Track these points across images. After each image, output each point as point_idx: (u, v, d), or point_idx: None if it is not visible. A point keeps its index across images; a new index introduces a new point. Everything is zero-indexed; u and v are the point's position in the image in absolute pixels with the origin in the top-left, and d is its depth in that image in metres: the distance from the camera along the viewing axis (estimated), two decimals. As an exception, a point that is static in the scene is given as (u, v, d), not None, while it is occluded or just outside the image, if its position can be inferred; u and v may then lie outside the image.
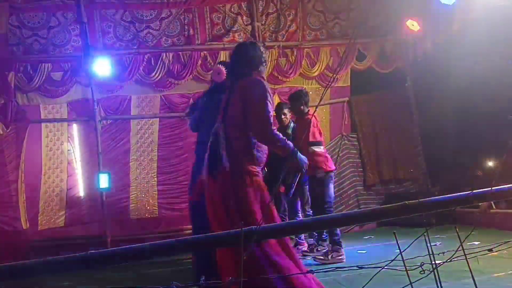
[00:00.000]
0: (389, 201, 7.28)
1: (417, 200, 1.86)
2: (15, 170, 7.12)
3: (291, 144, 3.09)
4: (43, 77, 7.22)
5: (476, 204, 4.96)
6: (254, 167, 3.03)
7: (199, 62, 7.66)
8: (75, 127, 7.61)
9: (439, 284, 1.78)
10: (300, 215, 6.05)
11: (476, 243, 3.15)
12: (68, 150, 7.52)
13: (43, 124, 7.44)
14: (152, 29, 7.63)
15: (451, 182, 7.40)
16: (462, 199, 1.91)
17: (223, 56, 7.52)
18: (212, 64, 7.54)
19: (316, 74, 8.17)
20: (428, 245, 1.81)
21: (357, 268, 1.78)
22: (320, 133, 5.46)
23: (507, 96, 5.93)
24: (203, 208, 3.16)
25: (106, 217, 7.26)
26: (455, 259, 1.81)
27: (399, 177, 8.45)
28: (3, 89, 7.03)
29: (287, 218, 5.98)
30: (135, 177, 7.71)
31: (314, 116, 5.85)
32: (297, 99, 5.62)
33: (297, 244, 6.10)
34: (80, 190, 7.55)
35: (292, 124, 5.97)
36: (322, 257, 5.31)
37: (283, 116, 5.97)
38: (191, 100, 7.47)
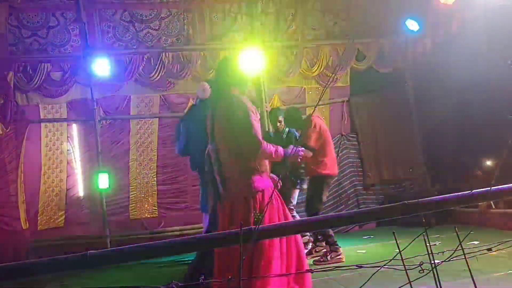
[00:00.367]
0: (388, 201, 7.29)
1: (416, 200, 1.87)
2: (14, 170, 7.12)
3: (280, 149, 3.14)
4: (43, 77, 7.21)
5: (475, 204, 4.97)
6: (262, 181, 3.05)
7: (199, 62, 7.65)
8: (74, 127, 7.61)
9: (438, 284, 1.78)
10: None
11: (476, 242, 3.16)
12: (68, 150, 7.52)
13: (42, 124, 7.44)
14: (151, 29, 7.63)
15: (451, 182, 7.41)
16: (462, 199, 1.91)
17: (223, 56, 7.51)
18: (212, 64, 7.54)
19: (315, 74, 8.17)
20: (428, 244, 1.81)
21: (356, 267, 1.78)
22: (319, 138, 5.39)
23: (507, 95, 5.93)
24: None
25: (106, 217, 7.26)
26: (454, 258, 1.81)
27: (398, 177, 8.45)
28: (3, 89, 7.02)
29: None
30: (135, 177, 7.71)
31: (320, 117, 5.84)
32: (290, 120, 5.77)
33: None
34: (80, 190, 7.55)
35: (287, 129, 5.99)
36: (321, 258, 5.32)
37: (278, 124, 5.98)
38: (191, 100, 7.48)
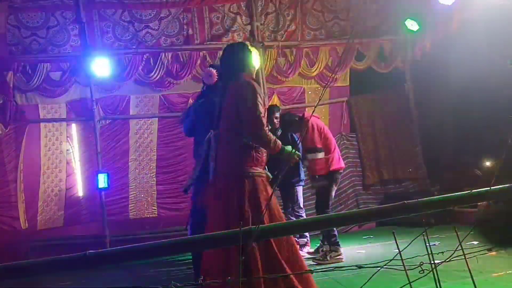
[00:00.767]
0: (388, 201, 7.29)
1: (416, 200, 1.86)
2: (14, 170, 7.12)
3: (279, 142, 3.13)
4: (42, 77, 7.21)
5: (475, 203, 4.97)
6: (255, 168, 3.06)
7: (198, 62, 7.65)
8: (74, 127, 7.61)
9: (438, 284, 1.78)
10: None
11: (475, 242, 3.16)
12: (67, 150, 7.52)
13: (42, 124, 7.43)
14: (151, 29, 7.63)
15: (451, 182, 7.41)
16: (461, 198, 1.91)
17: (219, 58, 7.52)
18: (212, 63, 7.53)
19: (315, 73, 8.17)
20: (427, 244, 1.81)
21: (356, 267, 1.78)
22: (321, 137, 5.42)
23: (506, 95, 5.93)
24: (203, 212, 3.21)
25: (105, 217, 7.25)
26: (454, 258, 1.81)
27: (398, 177, 8.44)
28: (2, 89, 7.01)
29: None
30: (134, 177, 7.71)
31: (316, 116, 5.84)
32: (286, 125, 5.73)
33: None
34: (79, 190, 7.55)
35: (280, 130, 5.99)
36: (321, 258, 5.32)
37: (275, 120, 5.97)
38: (190, 100, 7.47)
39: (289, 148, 3.22)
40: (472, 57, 6.38)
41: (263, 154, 3.14)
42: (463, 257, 1.80)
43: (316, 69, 8.15)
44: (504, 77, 6.01)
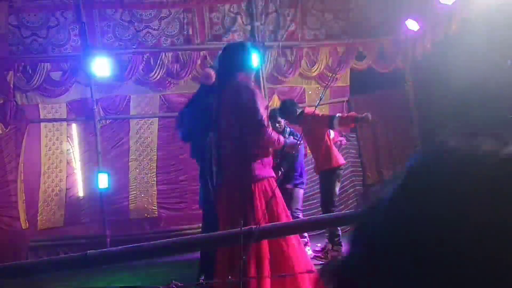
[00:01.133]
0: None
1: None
2: (14, 170, 7.12)
3: (281, 137, 3.13)
4: (42, 77, 7.21)
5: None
6: (262, 171, 3.02)
7: (199, 62, 7.64)
8: (74, 127, 7.61)
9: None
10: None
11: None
12: (67, 150, 7.51)
13: (42, 124, 7.43)
14: (151, 29, 7.63)
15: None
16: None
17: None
18: (212, 64, 7.53)
19: (315, 74, 8.17)
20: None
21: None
22: None
23: (507, 95, 5.93)
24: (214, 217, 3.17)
25: (105, 217, 7.25)
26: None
27: (398, 177, 8.43)
28: (2, 88, 7.02)
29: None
30: (135, 177, 7.71)
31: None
32: (284, 112, 5.71)
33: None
34: (80, 190, 7.55)
35: (288, 129, 5.99)
36: (322, 255, 5.33)
37: (277, 125, 5.96)
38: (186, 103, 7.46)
39: (289, 139, 3.20)
40: (472, 57, 6.38)
41: (269, 152, 3.11)
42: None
43: (316, 69, 8.15)
44: (504, 78, 6.00)
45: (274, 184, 3.03)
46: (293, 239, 3.01)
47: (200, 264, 3.99)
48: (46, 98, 7.38)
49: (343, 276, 0.47)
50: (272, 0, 7.98)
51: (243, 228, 1.66)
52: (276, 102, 7.95)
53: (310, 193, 7.56)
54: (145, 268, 5.77)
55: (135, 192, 7.69)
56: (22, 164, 7.19)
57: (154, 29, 7.64)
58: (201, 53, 7.69)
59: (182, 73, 7.62)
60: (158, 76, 7.56)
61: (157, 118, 7.81)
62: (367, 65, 8.24)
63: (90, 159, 7.52)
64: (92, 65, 7.06)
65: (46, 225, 7.32)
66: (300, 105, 8.04)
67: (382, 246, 0.44)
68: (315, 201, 7.21)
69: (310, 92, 8.31)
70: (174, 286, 1.52)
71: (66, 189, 7.47)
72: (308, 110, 5.69)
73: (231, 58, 3.20)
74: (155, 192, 7.75)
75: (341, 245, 5.32)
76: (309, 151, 6.38)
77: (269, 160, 3.09)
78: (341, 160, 5.59)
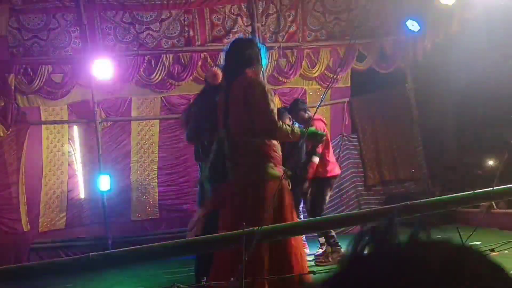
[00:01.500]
0: (389, 202, 7.28)
1: (418, 200, 1.87)
2: (15, 172, 7.12)
3: (297, 128, 3.08)
4: (44, 79, 7.22)
5: (477, 204, 4.96)
6: (276, 168, 2.96)
7: (199, 63, 7.66)
8: (75, 129, 7.61)
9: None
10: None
11: (478, 243, 3.15)
12: (69, 152, 7.52)
13: (43, 126, 7.44)
14: (152, 31, 7.64)
15: (452, 182, 7.40)
16: (464, 199, 1.91)
17: (223, 57, 7.50)
18: (212, 65, 7.54)
19: (316, 74, 8.17)
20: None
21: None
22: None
23: (507, 95, 5.93)
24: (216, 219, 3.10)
25: (107, 219, 7.26)
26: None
27: (399, 178, 8.43)
28: (4, 91, 7.03)
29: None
30: (136, 179, 7.71)
31: (323, 121, 5.81)
32: (292, 110, 5.65)
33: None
34: (81, 192, 7.55)
35: (296, 125, 5.94)
36: (322, 259, 5.32)
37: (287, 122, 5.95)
38: (191, 102, 7.46)
39: (311, 128, 3.15)
40: (473, 57, 6.38)
41: (279, 152, 3.04)
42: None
43: (317, 70, 8.15)
44: (504, 77, 6.00)
45: (286, 185, 2.98)
46: (293, 241, 2.99)
47: (198, 264, 3.97)
48: (47, 100, 7.39)
49: None
50: (273, 1, 7.99)
51: (245, 229, 1.67)
52: (277, 103, 7.95)
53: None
54: (146, 269, 5.77)
55: (136, 194, 7.69)
56: (23, 166, 7.20)
57: (155, 31, 7.65)
58: (202, 54, 7.70)
59: (183, 74, 7.63)
60: (159, 78, 7.56)
61: (158, 120, 7.82)
62: (367, 66, 8.24)
63: (91, 161, 7.52)
64: (93, 67, 7.06)
65: (47, 227, 7.33)
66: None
67: None
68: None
69: (311, 93, 8.32)
70: (176, 287, 1.52)
71: (68, 191, 7.47)
72: (318, 124, 5.50)
73: (240, 54, 3.12)
74: (156, 194, 7.76)
75: (339, 245, 5.30)
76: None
77: (280, 157, 3.03)
78: (336, 170, 5.52)
